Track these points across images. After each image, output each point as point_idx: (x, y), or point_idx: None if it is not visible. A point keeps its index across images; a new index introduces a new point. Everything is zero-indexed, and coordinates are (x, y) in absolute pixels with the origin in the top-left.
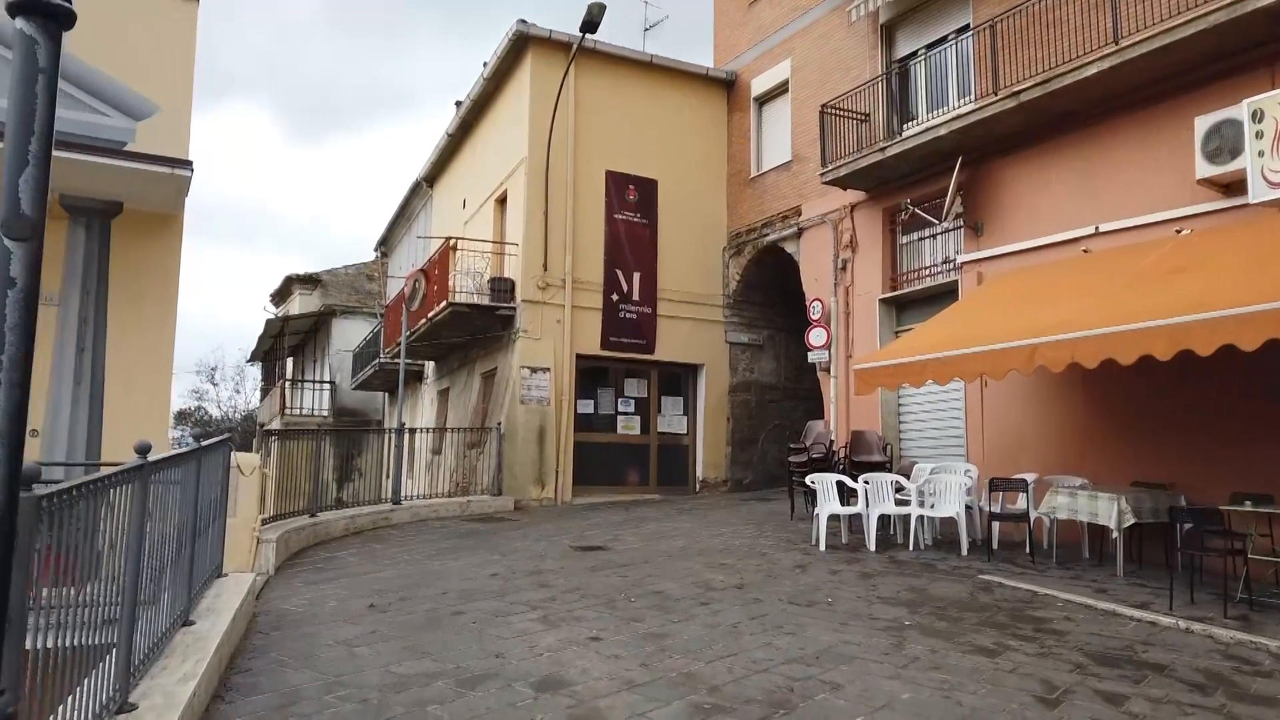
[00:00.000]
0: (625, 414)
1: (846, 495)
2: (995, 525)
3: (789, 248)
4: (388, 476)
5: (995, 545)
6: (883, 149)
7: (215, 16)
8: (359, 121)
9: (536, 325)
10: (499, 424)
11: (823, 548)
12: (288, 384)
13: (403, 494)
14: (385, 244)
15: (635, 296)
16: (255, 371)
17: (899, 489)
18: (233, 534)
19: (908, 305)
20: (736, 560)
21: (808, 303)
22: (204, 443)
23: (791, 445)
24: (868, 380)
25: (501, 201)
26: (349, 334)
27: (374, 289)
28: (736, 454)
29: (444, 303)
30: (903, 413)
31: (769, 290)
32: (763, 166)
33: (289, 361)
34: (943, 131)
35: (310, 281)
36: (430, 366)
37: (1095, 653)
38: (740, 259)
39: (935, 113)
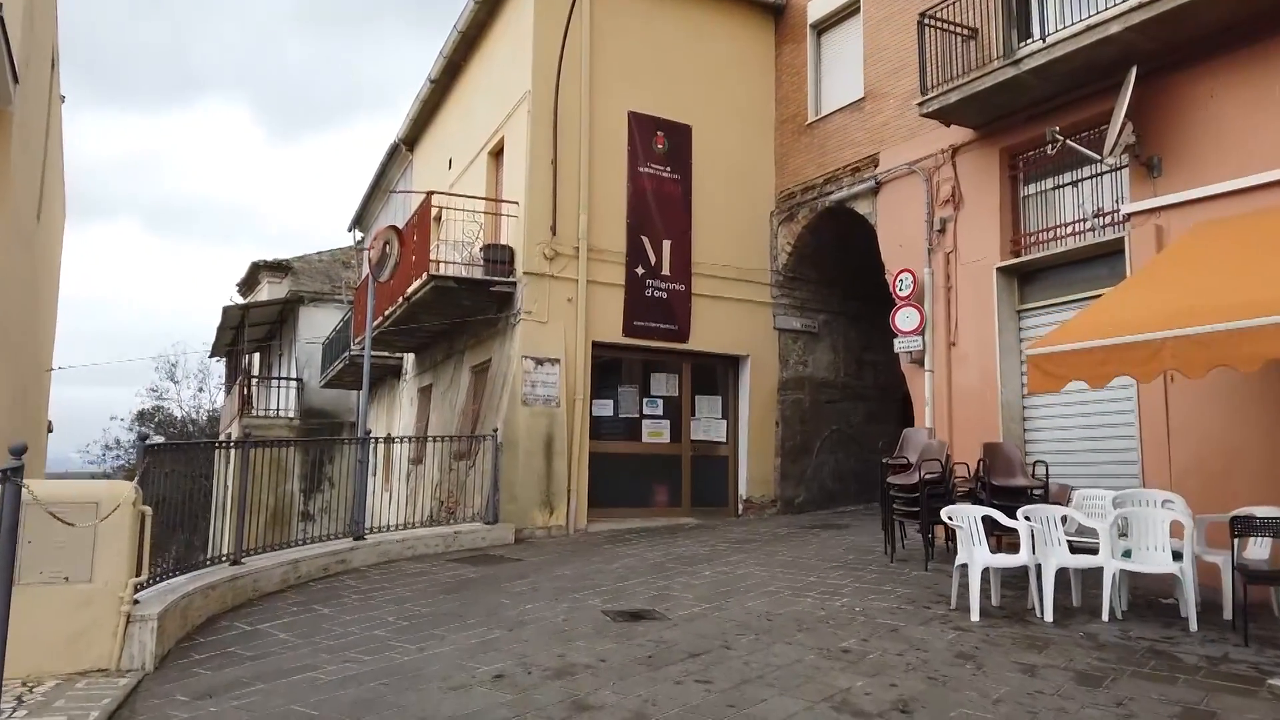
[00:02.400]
0: (652, 417)
1: (989, 533)
2: (1243, 586)
3: (861, 207)
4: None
5: (1236, 614)
6: (1016, 62)
7: (190, 16)
8: (338, 118)
9: (542, 305)
10: (495, 431)
11: (974, 616)
12: (249, 382)
13: (367, 525)
14: (360, 222)
15: (665, 270)
16: (221, 369)
17: (1073, 528)
18: (80, 610)
19: (1037, 275)
20: (860, 641)
21: (892, 276)
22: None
23: (888, 461)
24: (1058, 370)
25: (497, 154)
26: (320, 324)
27: (351, 277)
28: (787, 467)
29: (424, 276)
30: (1032, 418)
31: (826, 264)
32: (822, 109)
33: (255, 357)
34: (1114, 29)
35: (279, 269)
36: (409, 360)
37: None
38: (792, 225)
39: (1066, 25)
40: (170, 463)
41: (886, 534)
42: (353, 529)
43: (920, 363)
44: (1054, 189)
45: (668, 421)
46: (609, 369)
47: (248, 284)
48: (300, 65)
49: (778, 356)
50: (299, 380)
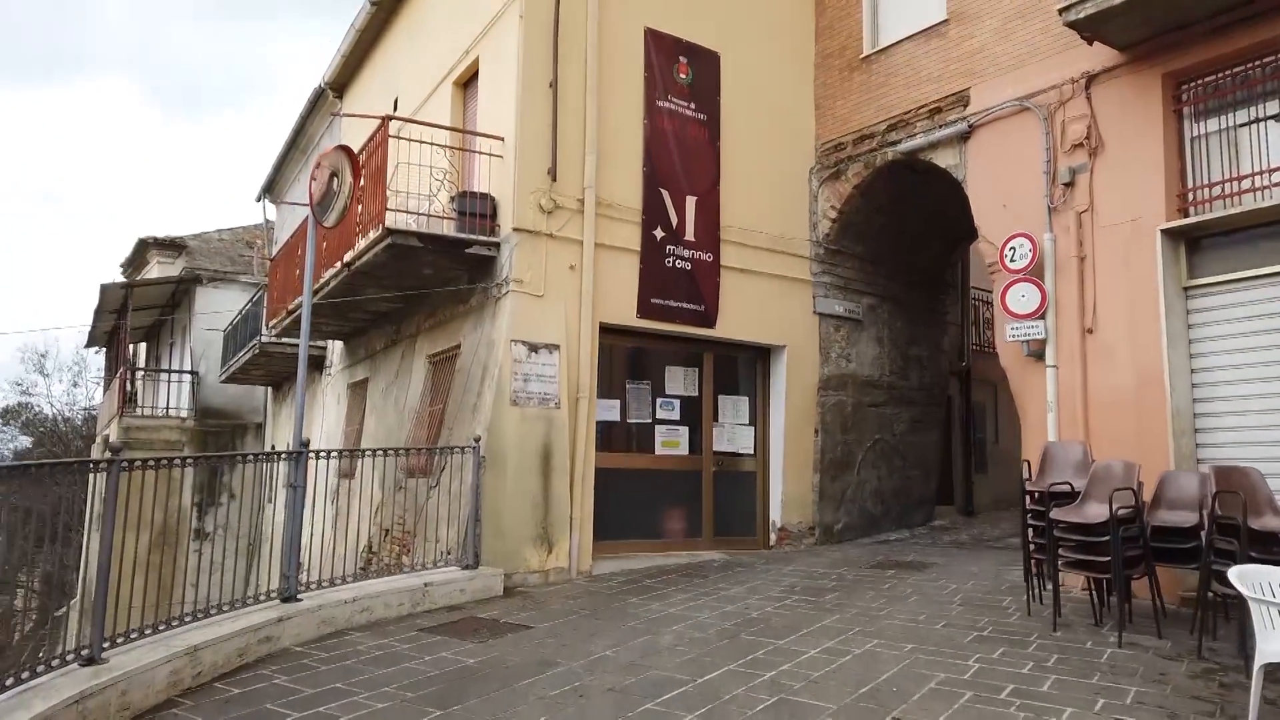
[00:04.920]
0: (667, 422)
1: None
2: None
3: (941, 158)
4: (260, 541)
5: None
6: None
7: None
8: (234, 100)
9: (538, 273)
10: (477, 440)
11: None
12: (131, 375)
13: (301, 581)
14: (272, 189)
15: (689, 234)
16: (102, 360)
17: None
18: None
19: (1212, 241)
20: None
21: (1001, 244)
22: None
23: (1035, 491)
24: None
25: (466, 83)
26: (221, 309)
27: (257, 258)
28: (825, 485)
29: (378, 230)
30: (1210, 429)
31: (875, 236)
32: (882, 39)
33: (141, 347)
34: None
35: (172, 247)
36: (336, 349)
37: None
38: (838, 185)
39: None
40: None
41: (1029, 586)
42: (282, 588)
43: (1040, 355)
44: (1241, 126)
45: (685, 428)
46: (616, 360)
47: (134, 264)
48: (196, 45)
49: (818, 348)
50: (194, 374)
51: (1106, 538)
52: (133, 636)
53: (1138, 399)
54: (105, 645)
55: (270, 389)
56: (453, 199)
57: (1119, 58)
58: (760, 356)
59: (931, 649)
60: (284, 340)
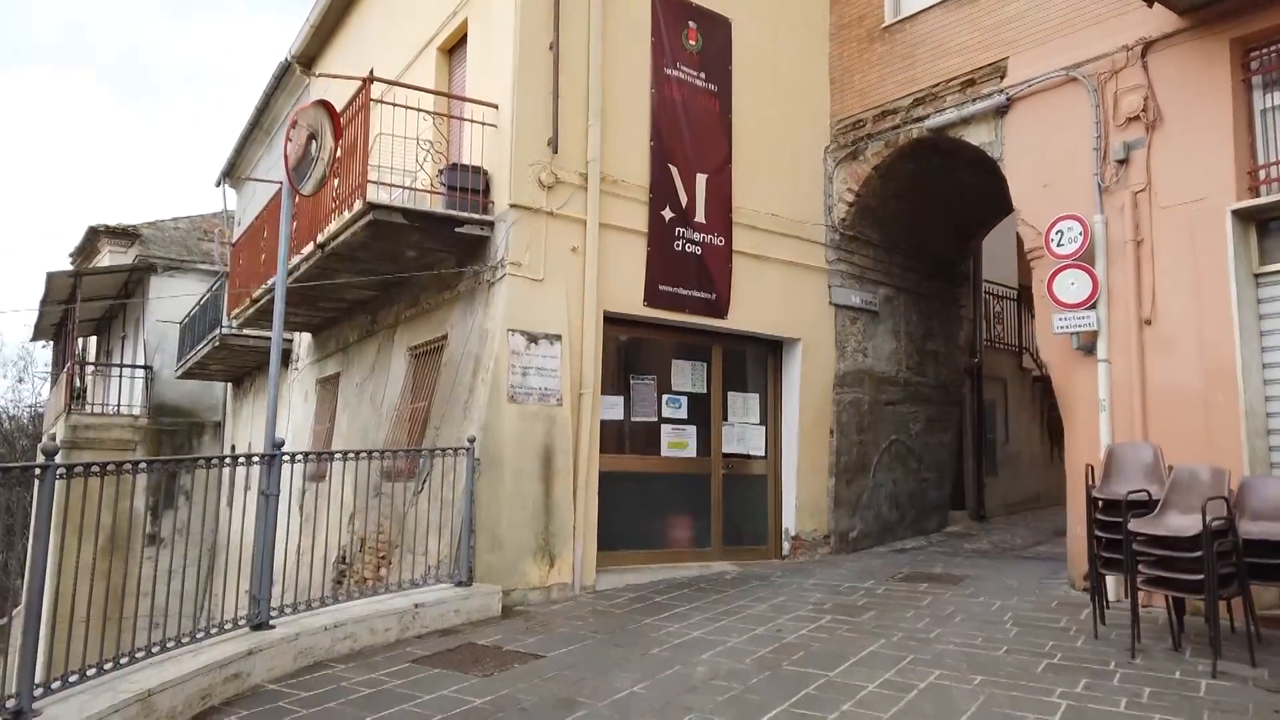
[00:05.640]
0: (673, 422)
1: None
2: None
3: (975, 135)
4: (219, 547)
5: None
6: None
7: None
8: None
9: (537, 255)
10: (470, 441)
11: None
12: (80, 370)
13: (273, 606)
14: (232, 173)
15: (699, 216)
16: (49, 355)
17: None
18: None
19: None
20: None
21: (1046, 227)
22: None
23: (1102, 499)
24: None
25: (452, 49)
26: (177, 300)
27: (214, 250)
28: (841, 490)
29: (358, 205)
30: (1277, 427)
31: (892, 222)
32: (905, 7)
33: (91, 340)
34: None
35: (124, 235)
36: (303, 341)
37: None
38: (855, 165)
39: None
40: None
41: (1095, 604)
42: (252, 613)
43: (1090, 349)
44: None
45: (693, 427)
46: (619, 353)
47: (84, 254)
48: (145, 31)
49: (834, 341)
50: (148, 369)
51: (1198, 553)
52: (72, 681)
53: (1205, 397)
54: (38, 693)
55: (230, 385)
56: (440, 172)
57: (1181, 22)
58: (772, 350)
59: (1004, 681)
60: (246, 332)
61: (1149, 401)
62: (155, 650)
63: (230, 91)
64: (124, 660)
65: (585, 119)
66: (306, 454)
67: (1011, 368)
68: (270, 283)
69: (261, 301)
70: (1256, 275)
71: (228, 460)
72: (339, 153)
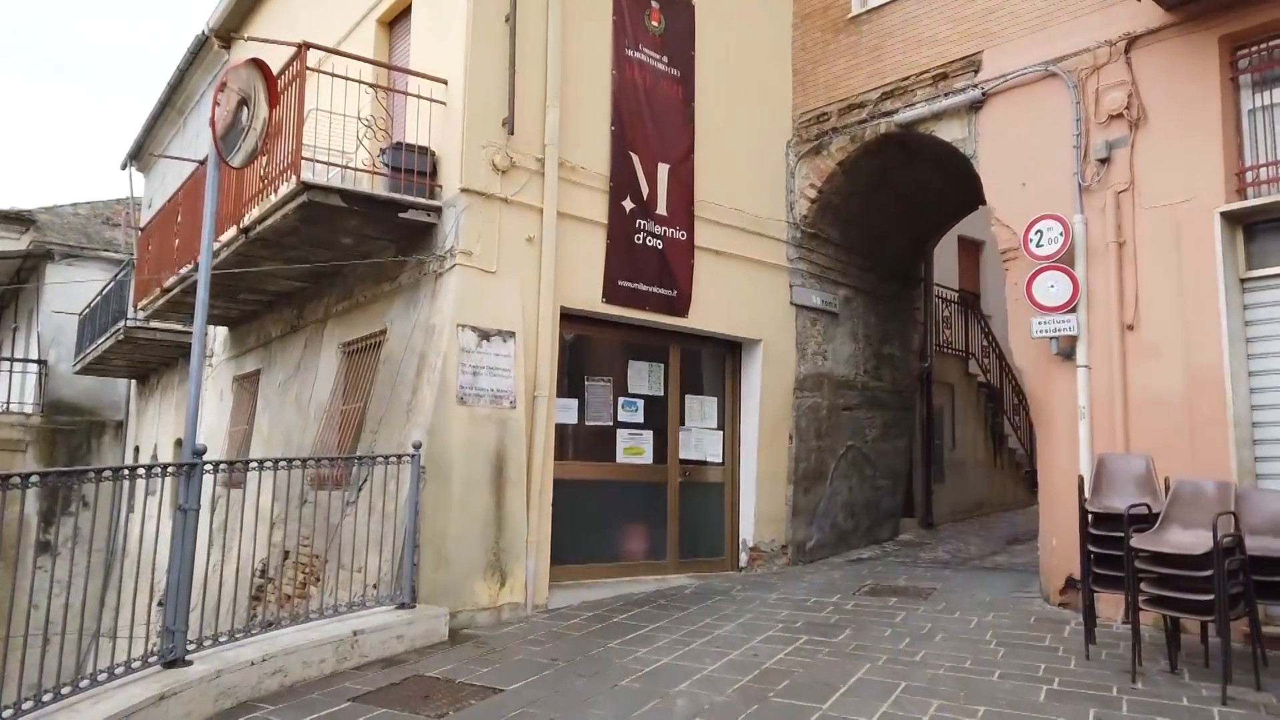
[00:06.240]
0: (629, 426)
1: None
2: None
3: (946, 131)
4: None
5: None
6: None
7: None
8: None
9: (490, 244)
10: (417, 448)
11: None
12: None
13: (190, 638)
14: (139, 155)
15: (661, 208)
16: None
17: None
18: None
19: (1270, 227)
20: None
21: (1025, 227)
22: None
23: (1094, 512)
24: None
25: (393, 21)
26: (76, 289)
27: (119, 237)
28: (799, 498)
29: (290, 185)
30: (1270, 441)
31: (852, 220)
32: None
33: None
34: None
35: (18, 220)
36: (219, 336)
37: None
38: (819, 161)
39: None
40: None
41: (1087, 624)
42: (165, 648)
43: (1069, 354)
44: None
45: (649, 432)
46: (574, 352)
47: None
48: (52, 3)
49: (795, 343)
50: (42, 364)
51: (1207, 572)
52: None
53: (1190, 405)
54: None
55: (135, 382)
56: (383, 151)
57: (1167, 18)
58: (730, 351)
59: (1009, 713)
60: (155, 325)
61: (1131, 409)
62: (46, 699)
63: (140, 69)
64: (6, 713)
65: (543, 99)
66: (232, 462)
67: (959, 373)
68: (185, 270)
69: (174, 291)
70: (1243, 280)
71: (139, 471)
72: (266, 139)
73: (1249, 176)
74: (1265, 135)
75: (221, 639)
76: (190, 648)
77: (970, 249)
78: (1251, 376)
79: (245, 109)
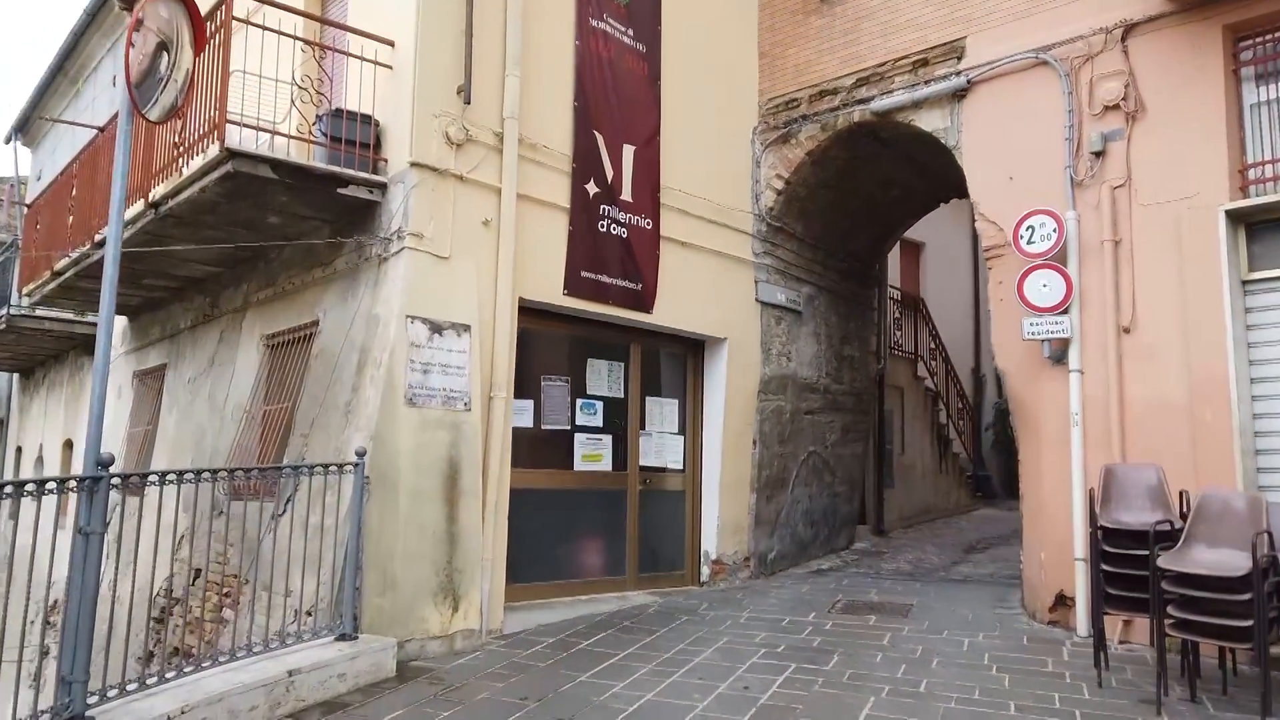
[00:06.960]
0: (588, 430)
1: None
2: None
3: (927, 121)
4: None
5: None
6: None
7: None
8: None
9: (443, 226)
10: (361, 456)
11: None
12: None
13: (91, 688)
14: (27, 127)
15: (626, 193)
16: None
17: None
18: None
19: (1271, 227)
20: None
21: (1014, 223)
22: None
23: (1105, 526)
24: None
25: None
26: None
27: (1, 217)
28: (762, 507)
29: (212, 152)
30: (1273, 451)
31: (818, 214)
32: None
33: None
34: None
35: None
36: (119, 326)
37: None
38: (786, 150)
39: None
40: None
41: (1099, 651)
42: (62, 704)
43: (1061, 358)
44: None
45: (609, 437)
46: (530, 349)
47: None
48: None
49: (760, 342)
50: None
51: (1246, 595)
52: None
53: (1191, 412)
54: None
55: (17, 376)
56: (319, 118)
57: (1166, 5)
58: (692, 351)
59: None
60: (42, 313)
61: (1127, 416)
62: None
63: (27, 32)
64: None
65: (502, 66)
66: (144, 474)
67: (908, 376)
68: (79, 251)
69: (67, 274)
70: (1245, 282)
71: (29, 488)
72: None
73: (1252, 174)
74: (1269, 131)
75: (130, 687)
76: (92, 700)
77: (912, 250)
78: (1254, 384)
79: (165, 55)
